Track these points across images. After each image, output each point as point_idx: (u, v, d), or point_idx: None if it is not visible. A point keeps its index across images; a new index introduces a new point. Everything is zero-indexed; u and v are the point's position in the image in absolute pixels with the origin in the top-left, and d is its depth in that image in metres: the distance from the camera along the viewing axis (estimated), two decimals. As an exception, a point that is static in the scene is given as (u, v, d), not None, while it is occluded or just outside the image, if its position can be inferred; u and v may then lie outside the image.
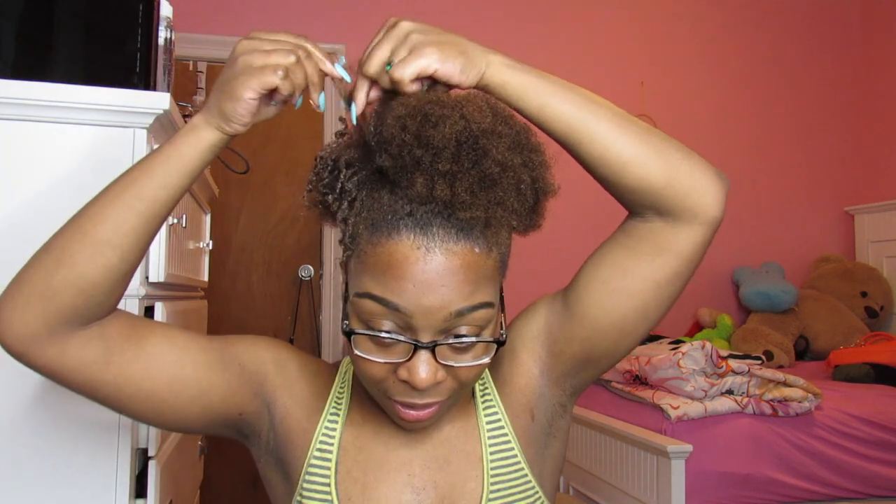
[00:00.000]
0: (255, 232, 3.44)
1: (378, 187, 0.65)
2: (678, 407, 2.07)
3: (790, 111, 3.87)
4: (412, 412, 0.68)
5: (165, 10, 1.23)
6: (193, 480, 1.64)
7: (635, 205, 0.71)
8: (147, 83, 1.15)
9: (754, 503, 2.05)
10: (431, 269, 0.62)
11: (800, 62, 3.90)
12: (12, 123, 1.05)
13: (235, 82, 0.64)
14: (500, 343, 0.68)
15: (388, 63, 0.64)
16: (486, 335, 0.67)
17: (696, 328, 3.47)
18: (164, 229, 1.15)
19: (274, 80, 0.63)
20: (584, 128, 0.67)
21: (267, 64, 0.63)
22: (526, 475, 0.76)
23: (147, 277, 1.13)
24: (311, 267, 3.45)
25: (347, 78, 0.68)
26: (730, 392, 2.15)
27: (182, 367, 0.71)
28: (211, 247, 1.80)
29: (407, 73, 0.63)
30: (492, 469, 0.76)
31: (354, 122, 0.68)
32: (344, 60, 0.69)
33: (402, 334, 0.64)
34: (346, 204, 0.66)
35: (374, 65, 0.65)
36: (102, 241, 0.65)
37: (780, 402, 2.11)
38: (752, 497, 2.04)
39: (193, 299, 1.67)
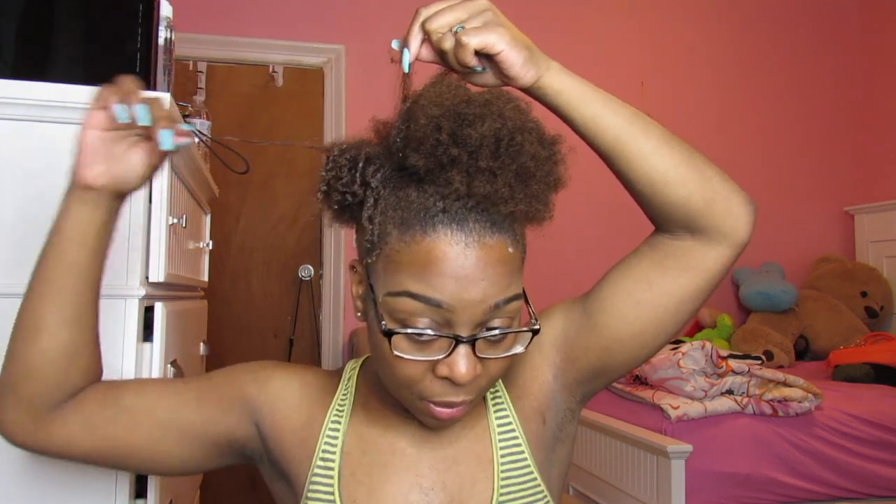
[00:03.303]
0: (255, 232, 3.44)
1: (402, 185, 0.65)
2: (678, 407, 2.07)
3: (790, 111, 3.87)
4: (448, 410, 0.68)
5: (165, 10, 1.23)
6: (193, 480, 1.64)
7: (669, 223, 0.72)
8: (147, 83, 1.15)
9: (754, 503, 2.05)
10: (471, 263, 0.63)
11: (800, 62, 3.90)
12: (12, 123, 1.05)
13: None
14: (535, 332, 0.68)
15: (460, 26, 0.64)
16: (515, 326, 0.68)
17: (696, 328, 3.47)
18: (163, 229, 1.14)
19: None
20: (633, 143, 0.69)
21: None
22: (535, 478, 0.76)
23: (147, 277, 1.13)
24: (311, 267, 3.44)
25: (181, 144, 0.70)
26: (730, 392, 2.15)
27: (154, 414, 0.74)
28: (211, 247, 1.80)
29: (475, 40, 0.64)
30: (502, 471, 0.75)
31: (407, 69, 0.67)
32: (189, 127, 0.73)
33: (439, 331, 0.64)
34: (371, 201, 0.66)
35: (439, 22, 0.65)
36: (30, 328, 0.70)
37: (780, 402, 2.11)
38: (752, 497, 2.04)
39: (193, 299, 1.67)
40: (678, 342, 2.41)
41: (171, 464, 0.76)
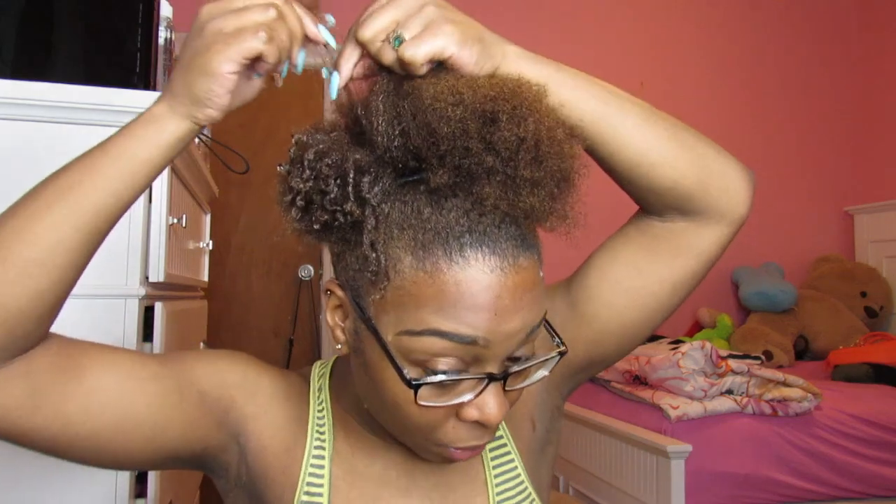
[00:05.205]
0: (255, 232, 3.44)
1: (409, 198, 0.54)
2: (678, 407, 2.07)
3: (790, 111, 3.87)
4: (469, 452, 0.59)
5: (165, 10, 1.23)
6: (193, 480, 1.64)
7: (658, 206, 0.65)
8: (147, 83, 1.15)
9: (754, 503, 2.05)
10: (508, 292, 0.53)
11: (800, 62, 3.90)
12: (12, 123, 1.05)
13: (207, 54, 0.51)
14: (563, 353, 0.59)
15: (397, 37, 0.54)
16: (537, 350, 0.60)
17: (696, 328, 3.47)
18: (163, 229, 1.15)
19: (256, 44, 0.51)
20: (610, 127, 0.60)
21: (243, 26, 0.51)
22: (529, 493, 0.70)
23: (147, 277, 1.13)
24: (310, 267, 3.44)
25: (333, 44, 0.57)
26: (729, 392, 2.15)
27: (132, 403, 0.58)
28: (211, 247, 1.80)
29: (421, 53, 0.53)
30: (497, 493, 0.68)
31: (334, 95, 0.57)
32: (332, 21, 0.58)
33: (465, 369, 0.54)
34: (372, 223, 0.54)
35: (372, 31, 0.54)
36: (31, 262, 0.51)
37: (779, 401, 2.11)
38: (751, 497, 2.04)
39: (193, 299, 1.67)
40: (678, 342, 2.41)
41: (120, 461, 0.61)
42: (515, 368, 0.56)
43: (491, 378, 0.54)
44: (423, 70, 0.54)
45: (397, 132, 0.53)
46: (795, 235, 3.79)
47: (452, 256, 0.52)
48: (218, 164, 1.76)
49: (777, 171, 3.81)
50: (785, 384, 2.15)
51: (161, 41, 1.21)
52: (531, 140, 0.51)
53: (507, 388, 0.57)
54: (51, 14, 1.14)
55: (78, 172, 0.54)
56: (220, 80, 0.52)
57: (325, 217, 0.54)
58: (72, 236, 0.53)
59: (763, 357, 2.36)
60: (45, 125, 1.06)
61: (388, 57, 0.54)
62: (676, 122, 0.64)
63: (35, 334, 0.54)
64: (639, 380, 2.36)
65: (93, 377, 0.57)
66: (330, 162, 0.54)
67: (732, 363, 2.17)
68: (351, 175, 0.53)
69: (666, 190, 0.63)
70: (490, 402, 0.55)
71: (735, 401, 2.11)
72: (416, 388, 0.53)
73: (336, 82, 0.57)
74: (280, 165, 0.57)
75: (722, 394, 2.14)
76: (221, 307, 3.25)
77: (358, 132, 0.56)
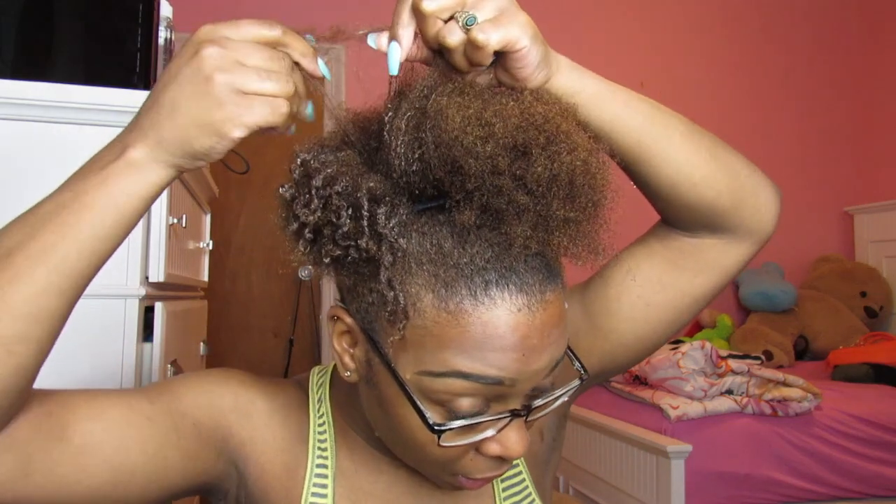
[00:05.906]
0: (255, 232, 3.44)
1: (428, 230, 0.51)
2: (678, 407, 2.07)
3: (790, 111, 3.87)
4: (480, 482, 0.58)
5: (165, 10, 1.23)
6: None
7: (689, 222, 0.63)
8: (147, 83, 1.15)
9: (754, 503, 2.05)
10: (536, 331, 0.51)
11: (800, 62, 3.90)
12: (12, 123, 1.05)
13: (219, 115, 0.48)
14: (584, 380, 0.59)
15: (471, 17, 0.48)
16: (558, 379, 0.57)
17: (696, 328, 3.46)
18: (163, 229, 1.15)
19: (276, 119, 0.49)
20: (656, 145, 0.58)
21: (267, 93, 0.48)
22: (535, 502, 0.69)
23: (147, 277, 1.13)
24: (311, 267, 3.45)
25: (328, 76, 0.54)
26: (729, 392, 2.15)
27: (126, 453, 0.55)
28: (211, 247, 1.80)
29: (495, 37, 0.48)
30: None
31: (395, 71, 0.51)
32: (312, 41, 0.55)
33: (487, 406, 0.53)
34: (389, 259, 0.50)
35: (437, 4, 0.48)
36: (11, 339, 0.47)
37: (779, 401, 2.11)
38: (751, 497, 2.04)
39: (193, 299, 1.67)
40: (678, 342, 2.41)
41: None
42: (538, 403, 0.55)
43: (515, 415, 0.53)
44: (489, 60, 0.50)
45: (416, 156, 0.50)
46: (795, 235, 3.79)
47: (477, 296, 0.49)
48: (218, 164, 1.76)
49: (777, 172, 3.79)
50: (785, 384, 2.15)
51: (161, 41, 1.21)
52: (565, 176, 0.48)
53: (527, 420, 0.55)
54: (51, 14, 1.14)
55: (54, 231, 0.49)
56: (226, 143, 0.49)
57: (338, 252, 0.51)
58: (54, 302, 0.48)
59: (763, 357, 2.37)
60: (45, 125, 1.06)
61: (454, 38, 0.49)
62: (714, 137, 0.62)
63: (16, 408, 0.50)
64: (639, 380, 2.36)
65: (81, 434, 0.54)
66: (340, 190, 0.49)
67: (732, 363, 2.17)
68: (365, 206, 0.49)
69: (701, 208, 0.61)
70: (513, 438, 0.54)
71: (735, 401, 2.11)
72: (440, 433, 0.51)
73: (397, 54, 0.51)
74: (282, 187, 0.53)
75: (722, 394, 2.14)
76: (221, 307, 3.25)
77: (373, 147, 0.53)
